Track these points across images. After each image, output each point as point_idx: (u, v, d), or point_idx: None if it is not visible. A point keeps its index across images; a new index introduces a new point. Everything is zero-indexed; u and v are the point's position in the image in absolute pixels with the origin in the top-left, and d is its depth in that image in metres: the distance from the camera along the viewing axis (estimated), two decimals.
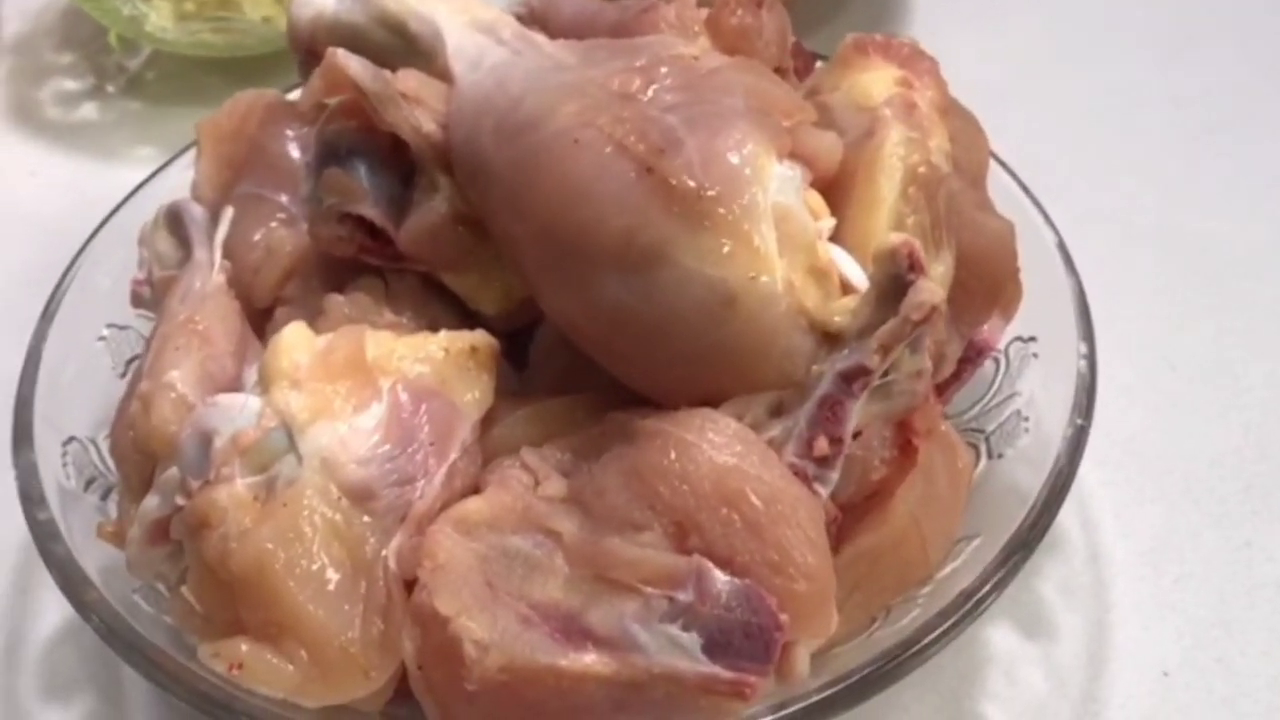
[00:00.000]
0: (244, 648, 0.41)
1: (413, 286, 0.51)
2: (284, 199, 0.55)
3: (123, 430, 0.46)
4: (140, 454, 0.45)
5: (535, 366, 0.50)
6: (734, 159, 0.42)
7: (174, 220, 0.54)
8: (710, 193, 0.41)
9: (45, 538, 0.45)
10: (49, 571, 0.45)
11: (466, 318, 0.50)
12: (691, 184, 0.41)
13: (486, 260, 0.50)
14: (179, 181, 0.58)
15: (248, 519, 0.42)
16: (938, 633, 0.42)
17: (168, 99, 0.77)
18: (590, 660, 0.40)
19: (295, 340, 0.44)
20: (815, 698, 0.41)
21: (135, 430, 0.45)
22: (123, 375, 0.54)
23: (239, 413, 0.43)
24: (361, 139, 0.50)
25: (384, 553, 0.42)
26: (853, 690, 0.41)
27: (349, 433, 0.43)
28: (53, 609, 0.53)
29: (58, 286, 0.53)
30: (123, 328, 0.54)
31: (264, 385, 0.43)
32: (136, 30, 0.73)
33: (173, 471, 0.44)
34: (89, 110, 0.77)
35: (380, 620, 0.41)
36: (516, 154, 0.45)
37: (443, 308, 0.51)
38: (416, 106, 0.49)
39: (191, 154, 0.59)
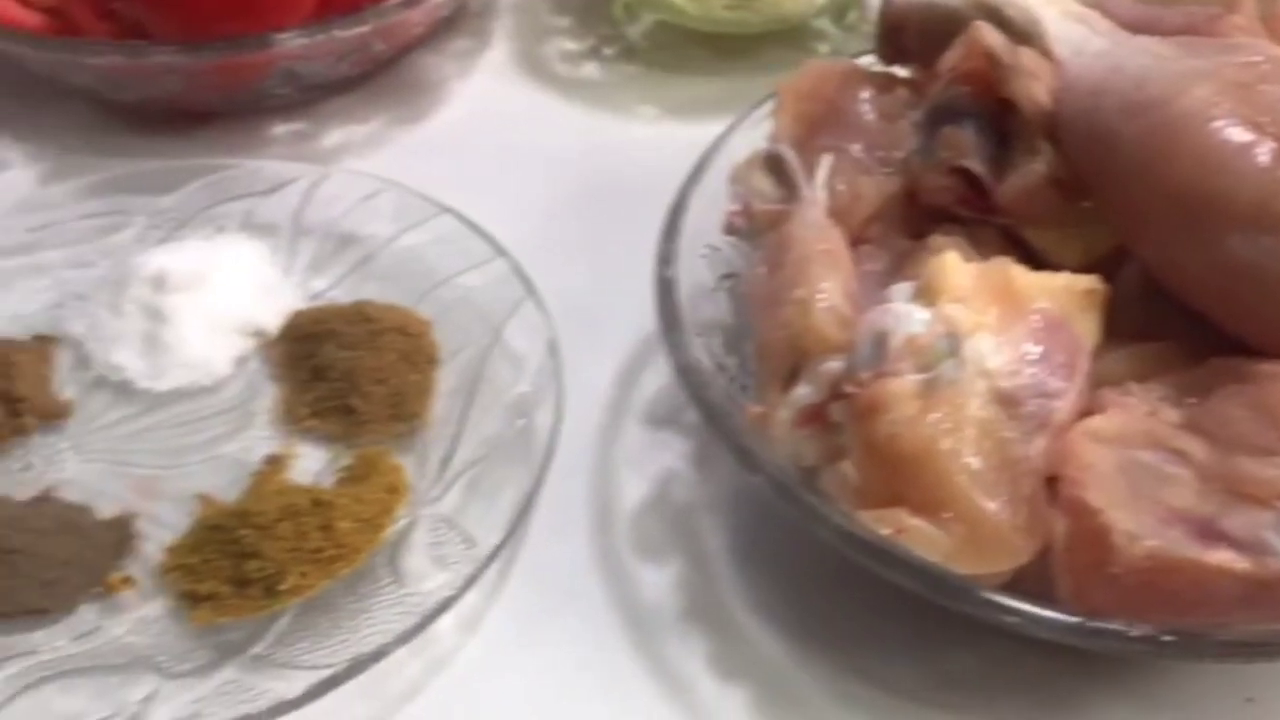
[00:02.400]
0: (905, 517, 0.48)
1: (993, 237, 0.58)
2: (856, 150, 0.63)
3: (773, 330, 0.54)
4: (791, 350, 0.53)
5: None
6: None
7: (774, 163, 0.62)
8: None
9: (713, 408, 0.53)
10: (723, 441, 0.52)
11: (1040, 270, 0.56)
12: None
13: (1070, 219, 0.56)
14: (745, 138, 0.65)
15: (913, 409, 0.49)
16: None
17: (660, 66, 0.85)
18: (1227, 558, 0.46)
19: (955, 264, 0.51)
20: None
21: (789, 330, 0.53)
22: (712, 289, 0.61)
23: (910, 318, 0.50)
24: (974, 103, 0.57)
25: (1028, 453, 0.49)
26: None
27: (1000, 347, 0.50)
28: (631, 486, 0.61)
29: (673, 213, 0.61)
30: (716, 249, 0.62)
31: (930, 298, 0.51)
32: (655, 3, 0.82)
33: (829, 365, 0.51)
34: (590, 70, 0.86)
35: (1025, 508, 0.48)
36: (1145, 127, 0.52)
37: (1017, 259, 0.57)
38: (1033, 80, 0.56)
39: (753, 115, 0.67)
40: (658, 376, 0.66)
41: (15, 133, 0.81)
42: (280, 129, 0.81)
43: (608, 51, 0.86)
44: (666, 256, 0.59)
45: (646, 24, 0.85)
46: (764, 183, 0.62)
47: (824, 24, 0.84)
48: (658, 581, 0.58)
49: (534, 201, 0.75)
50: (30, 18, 0.77)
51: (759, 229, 0.61)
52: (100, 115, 0.81)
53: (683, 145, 0.77)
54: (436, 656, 0.55)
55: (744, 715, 0.54)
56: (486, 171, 0.78)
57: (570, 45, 0.87)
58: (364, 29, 0.74)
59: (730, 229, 0.62)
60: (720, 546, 0.59)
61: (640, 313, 0.68)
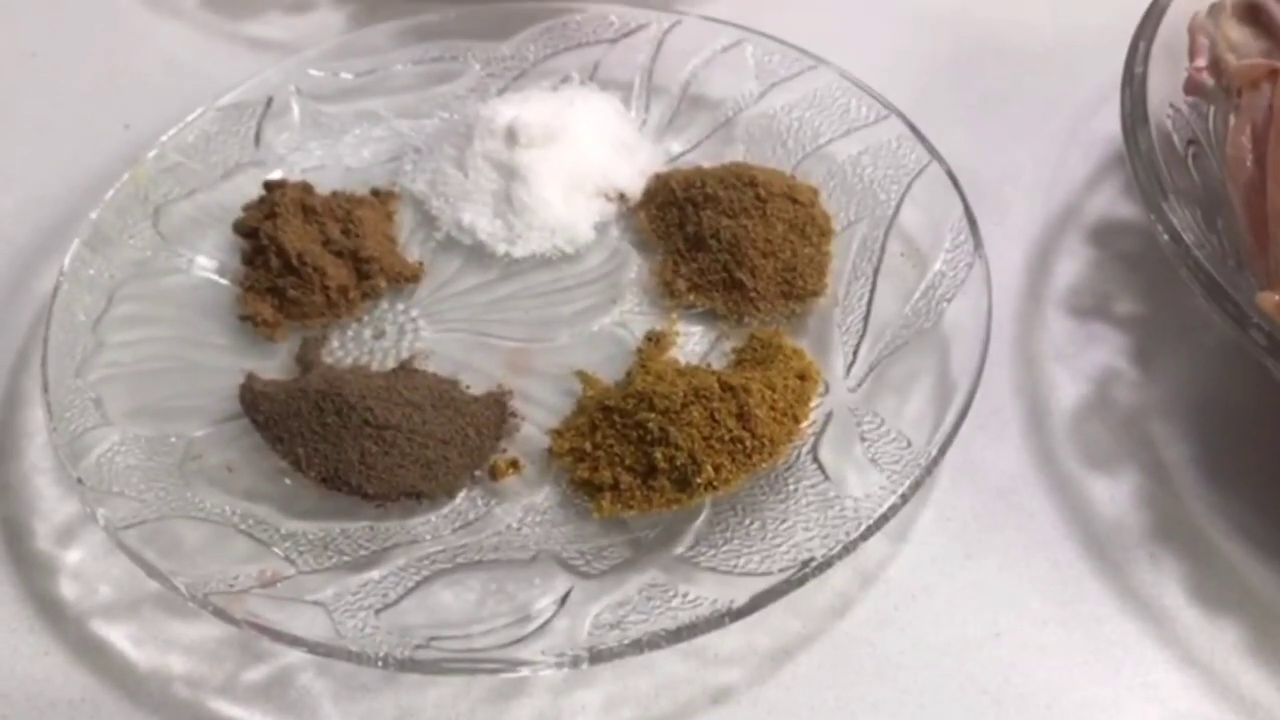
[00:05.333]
0: None
1: None
2: None
3: None
4: None
5: None
6: None
7: (1253, 12, 0.52)
8: None
9: (1219, 287, 0.45)
10: (1237, 326, 0.44)
11: None
12: None
13: None
14: None
15: None
16: None
17: None
18: None
19: None
20: None
21: None
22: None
23: None
24: None
25: None
26: None
27: None
28: (1064, 383, 0.54)
29: (1132, 70, 0.52)
30: (1177, 110, 0.53)
31: None
32: None
33: None
34: None
35: None
36: None
37: None
38: None
39: None
40: (1074, 260, 0.58)
41: None
42: None
43: None
44: (1135, 119, 0.50)
45: None
46: (1239, 34, 0.52)
47: None
48: (1113, 495, 0.50)
49: (905, 58, 0.67)
50: None
51: (1234, 86, 0.51)
52: None
53: (1066, 3, 0.69)
54: (864, 567, 0.49)
55: (1239, 655, 0.46)
56: (846, 24, 0.69)
57: None
58: None
59: (1193, 87, 0.53)
60: (1183, 458, 0.51)
61: (1045, 185, 0.61)
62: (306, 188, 0.58)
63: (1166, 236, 0.47)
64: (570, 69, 0.64)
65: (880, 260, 0.55)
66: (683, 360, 0.54)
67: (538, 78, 0.64)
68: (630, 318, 0.55)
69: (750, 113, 0.62)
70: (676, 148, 0.62)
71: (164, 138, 0.60)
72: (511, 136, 0.59)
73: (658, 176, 0.60)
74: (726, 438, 0.48)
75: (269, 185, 0.58)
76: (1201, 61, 0.53)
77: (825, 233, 0.57)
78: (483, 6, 0.66)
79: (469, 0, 0.67)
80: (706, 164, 0.60)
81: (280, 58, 0.65)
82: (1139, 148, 0.49)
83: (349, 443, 0.49)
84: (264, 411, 0.51)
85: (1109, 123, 0.55)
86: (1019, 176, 0.61)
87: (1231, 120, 0.52)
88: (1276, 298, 0.45)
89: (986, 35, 0.68)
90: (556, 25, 0.65)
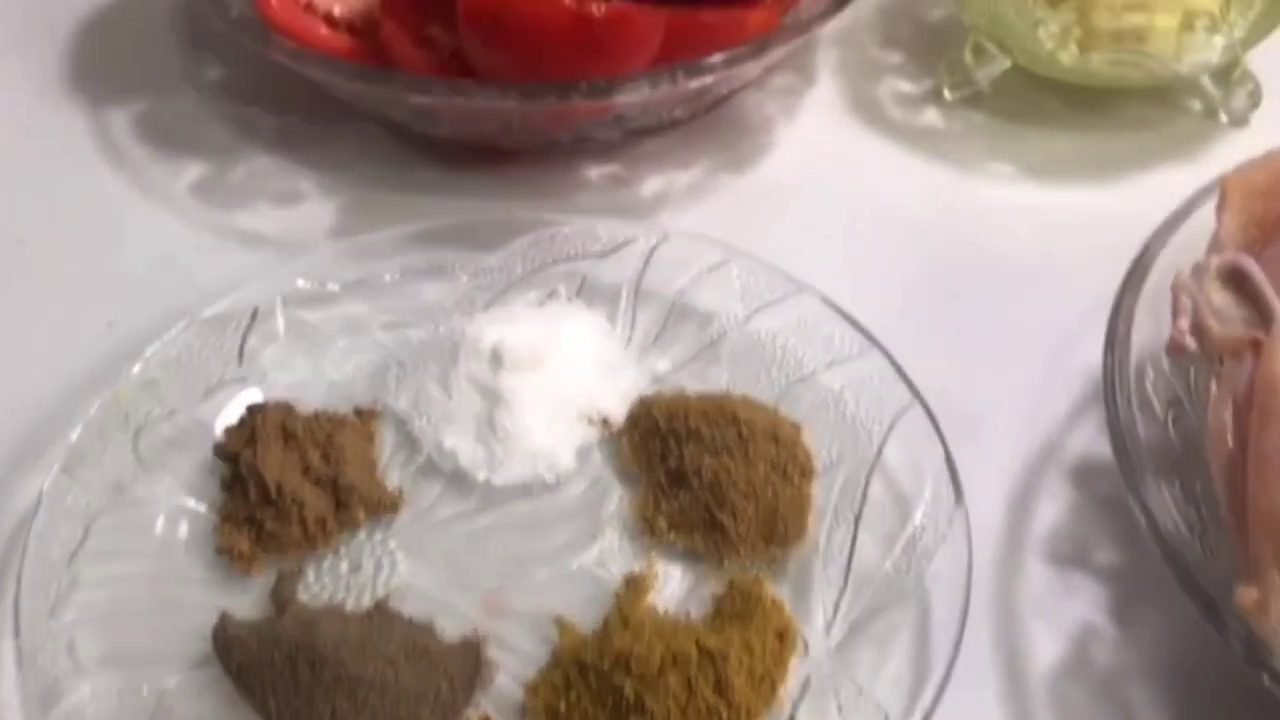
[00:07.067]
0: None
1: None
2: None
3: (1272, 498, 0.45)
4: None
5: None
6: None
7: (1236, 277, 0.53)
8: None
9: (1202, 591, 0.45)
10: (1218, 629, 0.44)
11: None
12: None
13: None
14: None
15: None
16: None
17: (1008, 116, 0.76)
18: None
19: None
20: None
21: None
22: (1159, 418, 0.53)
23: None
24: None
25: None
26: None
27: None
28: (1043, 641, 0.53)
29: (1115, 335, 0.52)
30: (1159, 370, 0.54)
31: None
32: (1029, 58, 0.73)
33: None
34: (930, 116, 0.77)
35: None
36: None
37: None
38: None
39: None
40: (1054, 503, 0.58)
41: (306, 158, 0.75)
42: (594, 171, 0.74)
43: (948, 96, 0.77)
44: (1116, 389, 0.51)
45: (998, 69, 0.75)
46: (1222, 299, 0.53)
47: (1203, 80, 0.74)
48: None
49: (888, 274, 0.67)
50: (338, 40, 0.70)
51: (1216, 354, 0.52)
52: (397, 145, 0.75)
53: (1048, 214, 0.71)
54: None
55: None
56: (828, 234, 0.70)
57: (905, 87, 0.78)
58: (712, 77, 0.66)
59: (1175, 349, 0.53)
60: None
61: (1026, 417, 0.61)
62: (288, 409, 0.58)
63: (1144, 521, 0.47)
64: (557, 282, 0.64)
65: (862, 507, 0.55)
66: (661, 605, 0.53)
67: (525, 289, 0.64)
68: (610, 555, 0.55)
69: (736, 335, 0.62)
70: (662, 366, 0.62)
71: (148, 352, 0.60)
72: (497, 359, 0.59)
73: (642, 402, 0.60)
74: (703, 709, 0.48)
75: (250, 409, 0.58)
76: (1184, 322, 0.53)
77: (807, 473, 0.56)
78: (471, 217, 0.66)
79: (456, 208, 0.68)
80: (692, 384, 0.60)
81: (268, 251, 0.66)
82: (1119, 416, 0.50)
83: (320, 700, 0.49)
84: (237, 659, 0.50)
85: (1090, 354, 0.56)
86: (999, 409, 0.61)
87: (1213, 387, 0.52)
88: (1255, 594, 0.45)
89: (968, 252, 0.68)
90: (544, 238, 0.65)
